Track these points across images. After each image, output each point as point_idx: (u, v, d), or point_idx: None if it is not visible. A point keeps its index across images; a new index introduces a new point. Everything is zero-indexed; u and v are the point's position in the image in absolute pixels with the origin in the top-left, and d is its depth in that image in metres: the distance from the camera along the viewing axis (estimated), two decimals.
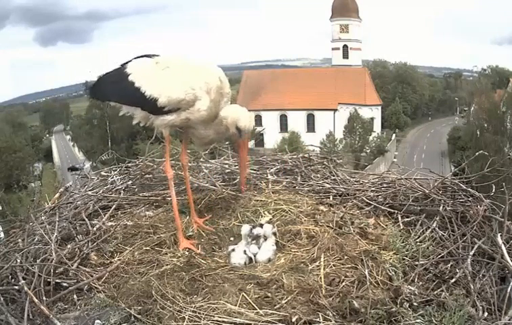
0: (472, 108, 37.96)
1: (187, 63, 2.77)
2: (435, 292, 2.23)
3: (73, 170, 34.99)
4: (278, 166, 3.86)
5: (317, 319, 2.04)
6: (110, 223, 3.05)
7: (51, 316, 2.11)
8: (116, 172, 3.86)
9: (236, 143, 2.80)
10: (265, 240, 2.66)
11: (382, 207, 3.09)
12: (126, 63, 2.83)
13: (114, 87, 2.85)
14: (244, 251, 2.59)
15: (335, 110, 46.76)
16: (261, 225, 2.73)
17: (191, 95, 2.62)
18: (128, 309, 2.15)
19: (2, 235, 3.72)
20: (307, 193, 3.36)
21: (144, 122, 2.80)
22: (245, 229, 2.72)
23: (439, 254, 2.51)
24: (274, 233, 2.70)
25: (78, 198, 3.45)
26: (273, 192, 3.31)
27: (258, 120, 46.19)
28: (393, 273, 2.33)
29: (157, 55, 2.77)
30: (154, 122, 2.76)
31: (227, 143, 3.84)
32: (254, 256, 2.58)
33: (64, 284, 2.41)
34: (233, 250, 2.63)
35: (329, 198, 3.30)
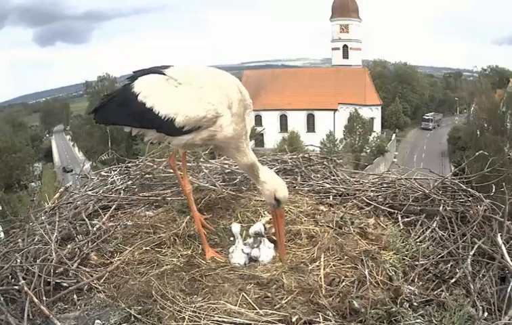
0: (472, 108, 37.97)
1: (202, 76, 2.55)
2: (435, 292, 2.23)
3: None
4: (278, 166, 3.86)
5: (317, 319, 2.04)
6: (110, 223, 3.05)
7: (51, 316, 2.11)
8: (116, 172, 3.86)
9: (272, 211, 2.54)
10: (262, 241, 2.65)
11: (382, 207, 3.09)
12: (131, 82, 2.61)
13: (122, 109, 2.61)
14: (242, 250, 2.60)
15: (335, 110, 46.75)
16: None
17: (212, 111, 2.41)
18: (128, 309, 2.15)
19: (2, 235, 3.72)
20: (307, 193, 3.36)
21: (158, 142, 2.66)
22: (236, 227, 2.70)
23: (439, 254, 2.51)
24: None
25: (78, 198, 3.45)
26: None
27: (258, 120, 46.20)
28: (393, 273, 2.33)
29: (163, 68, 2.58)
30: (170, 142, 2.61)
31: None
32: (256, 258, 2.58)
33: (64, 284, 2.41)
34: (232, 250, 2.63)
35: (329, 198, 3.31)
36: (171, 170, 3.67)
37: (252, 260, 2.57)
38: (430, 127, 53.12)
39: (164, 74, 2.54)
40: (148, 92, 2.52)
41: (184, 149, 2.67)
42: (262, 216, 2.93)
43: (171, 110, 2.45)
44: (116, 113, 2.68)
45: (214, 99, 2.43)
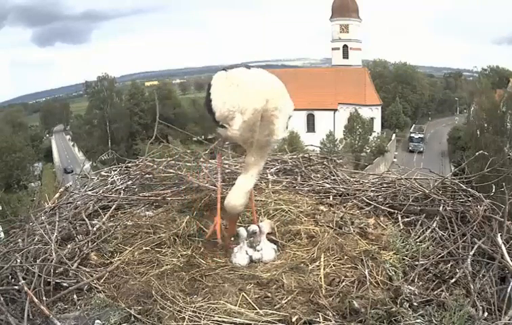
0: (472, 108, 37.96)
1: (242, 78, 2.65)
2: (435, 292, 2.23)
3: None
4: (278, 166, 3.86)
5: (317, 319, 2.04)
6: (110, 223, 3.04)
7: (51, 316, 2.11)
8: (116, 173, 3.85)
9: None
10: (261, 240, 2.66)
11: (382, 207, 3.09)
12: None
13: (206, 101, 2.82)
14: (246, 252, 2.60)
15: (335, 110, 46.77)
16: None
17: (231, 113, 2.55)
18: (128, 309, 2.14)
19: (2, 235, 3.72)
20: (307, 193, 3.36)
21: None
22: (242, 231, 2.71)
23: (439, 254, 2.51)
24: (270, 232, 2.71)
25: (78, 198, 3.45)
26: (273, 192, 3.31)
27: None
28: (393, 273, 2.34)
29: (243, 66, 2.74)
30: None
31: (227, 143, 3.84)
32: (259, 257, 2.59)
33: (64, 284, 2.41)
34: (237, 250, 2.63)
35: (329, 198, 3.31)
36: (171, 170, 3.67)
37: (254, 260, 2.58)
38: (421, 149, 42.63)
39: (226, 71, 2.72)
40: (213, 87, 2.71)
41: (225, 141, 2.92)
42: (261, 220, 2.93)
43: (215, 104, 2.63)
44: (206, 103, 2.86)
45: (232, 101, 2.55)
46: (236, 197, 2.58)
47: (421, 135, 45.60)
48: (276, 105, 2.56)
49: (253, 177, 2.63)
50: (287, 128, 2.73)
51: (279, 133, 2.59)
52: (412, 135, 46.10)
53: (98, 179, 3.86)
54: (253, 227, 2.67)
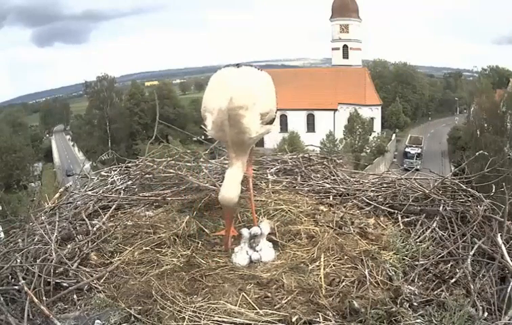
0: (472, 108, 37.98)
1: (220, 77, 2.70)
2: (435, 292, 2.23)
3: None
4: (278, 166, 3.86)
5: (317, 319, 2.04)
6: (110, 223, 3.04)
7: (51, 316, 2.11)
8: (116, 173, 3.85)
9: None
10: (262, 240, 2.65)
11: (382, 207, 3.09)
12: None
13: None
14: (247, 252, 2.60)
15: (335, 110, 46.84)
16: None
17: (204, 113, 2.61)
18: (128, 309, 2.14)
19: (2, 235, 3.72)
20: (307, 193, 3.36)
21: None
22: (245, 232, 2.70)
23: (439, 254, 2.51)
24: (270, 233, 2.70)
25: (78, 198, 3.45)
26: (273, 192, 3.31)
27: None
28: (393, 273, 2.33)
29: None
30: None
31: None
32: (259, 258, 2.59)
33: (64, 284, 2.41)
34: (237, 250, 2.63)
35: (329, 198, 3.31)
36: (171, 170, 3.67)
37: (254, 261, 2.58)
38: (418, 166, 27.70)
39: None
40: None
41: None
42: (262, 216, 2.93)
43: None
44: None
45: (204, 102, 2.64)
46: (230, 189, 2.55)
47: (418, 150, 38.71)
48: (241, 103, 2.47)
49: (240, 167, 2.61)
50: (272, 123, 2.68)
51: (251, 131, 2.51)
52: (408, 149, 39.52)
53: (98, 179, 3.86)
54: (255, 229, 2.66)
